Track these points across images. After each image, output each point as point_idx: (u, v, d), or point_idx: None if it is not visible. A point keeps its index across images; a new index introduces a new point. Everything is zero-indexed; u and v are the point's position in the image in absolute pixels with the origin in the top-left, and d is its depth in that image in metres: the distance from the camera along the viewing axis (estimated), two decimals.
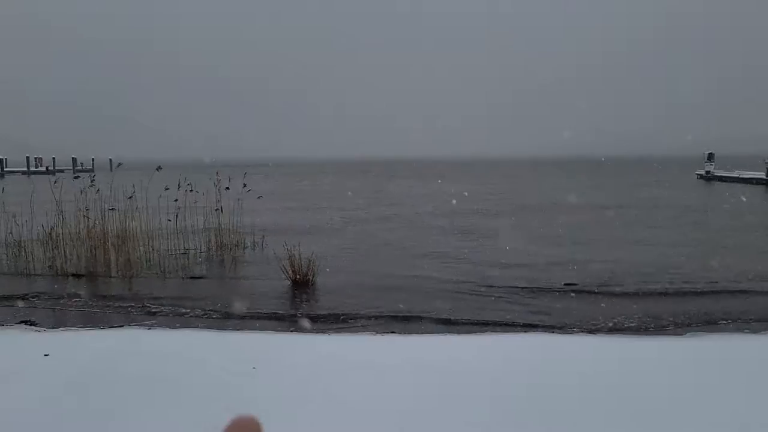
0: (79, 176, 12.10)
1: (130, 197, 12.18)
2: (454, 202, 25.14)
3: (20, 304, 9.24)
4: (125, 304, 9.29)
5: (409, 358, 6.02)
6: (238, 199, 13.49)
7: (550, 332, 7.23)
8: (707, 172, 42.54)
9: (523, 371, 5.47)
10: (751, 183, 37.01)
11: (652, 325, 7.71)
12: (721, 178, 40.89)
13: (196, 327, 7.77)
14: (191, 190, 12.70)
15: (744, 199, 25.91)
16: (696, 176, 43.96)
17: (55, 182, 11.46)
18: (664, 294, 9.62)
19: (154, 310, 9.00)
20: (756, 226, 17.78)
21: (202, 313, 8.77)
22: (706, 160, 43.11)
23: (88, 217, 11.69)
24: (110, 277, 11.25)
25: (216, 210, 13.16)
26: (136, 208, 12.43)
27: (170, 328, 7.65)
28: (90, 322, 8.20)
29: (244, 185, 13.41)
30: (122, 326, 7.66)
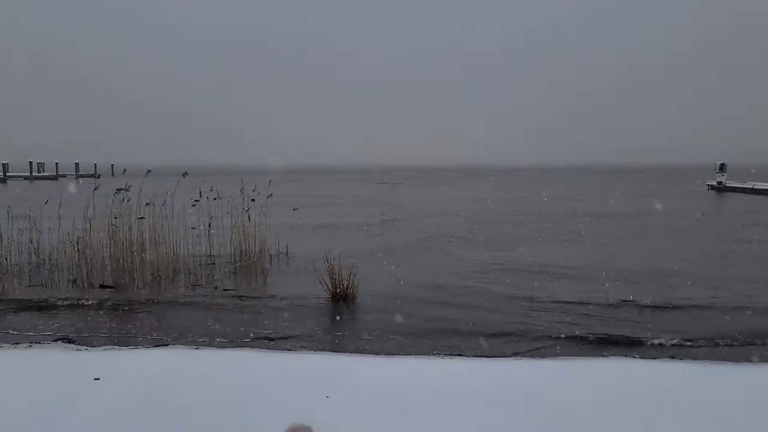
0: (98, 186, 11.62)
1: (147, 203, 11.72)
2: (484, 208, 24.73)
3: (51, 318, 8.78)
4: (159, 319, 8.83)
5: (487, 384, 5.58)
6: (262, 208, 13.08)
7: (629, 357, 6.78)
8: (719, 183, 42.11)
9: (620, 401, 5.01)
10: (766, 194, 36.56)
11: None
12: (734, 189, 40.45)
13: (244, 346, 7.31)
14: (216, 198, 12.34)
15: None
16: (707, 187, 43.52)
17: (96, 189, 11.06)
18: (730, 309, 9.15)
19: (187, 324, 8.54)
20: None
21: (242, 329, 8.30)
22: (717, 171, 42.62)
23: (116, 226, 11.22)
24: (139, 288, 10.77)
25: (247, 216, 12.75)
26: (165, 215, 11.97)
27: (217, 347, 7.19)
28: (128, 338, 7.73)
29: (271, 194, 13.03)
30: (167, 345, 7.20)
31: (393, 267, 12.53)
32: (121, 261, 11.24)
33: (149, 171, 12.11)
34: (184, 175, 12.42)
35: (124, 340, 7.64)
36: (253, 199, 13.06)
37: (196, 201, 12.61)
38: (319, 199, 33.87)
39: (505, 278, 11.61)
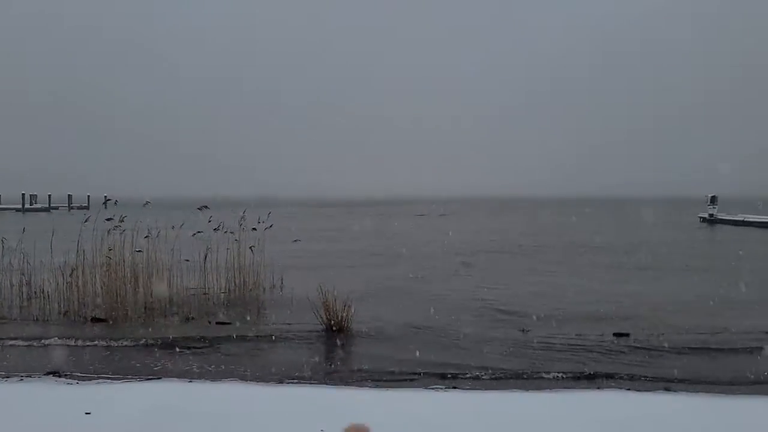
0: (111, 218, 11.57)
1: (146, 236, 11.70)
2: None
3: (42, 351, 8.67)
4: (152, 352, 8.73)
5: (482, 417, 5.52)
6: (257, 240, 13.05)
7: (621, 389, 6.75)
8: (710, 215, 42.42)
9: None
10: (757, 226, 36.84)
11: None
12: (725, 221, 40.72)
13: (237, 379, 7.22)
14: (216, 229, 12.32)
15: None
16: (699, 219, 43.77)
17: (85, 221, 11.06)
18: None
19: (184, 358, 8.45)
20: None
21: (236, 362, 8.21)
22: (708, 203, 42.96)
23: (109, 257, 11.15)
24: (132, 321, 10.66)
25: (241, 247, 12.72)
26: (157, 248, 11.93)
27: (210, 380, 7.10)
28: (120, 372, 7.62)
29: (271, 225, 13.03)
30: (159, 378, 7.11)
31: (389, 301, 12.50)
32: (114, 293, 11.13)
33: (147, 203, 12.11)
34: (200, 209, 12.46)
35: (115, 373, 7.52)
36: (254, 228, 13.06)
37: (198, 232, 12.60)
38: (321, 233, 33.70)
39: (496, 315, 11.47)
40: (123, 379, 7.09)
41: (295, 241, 15.25)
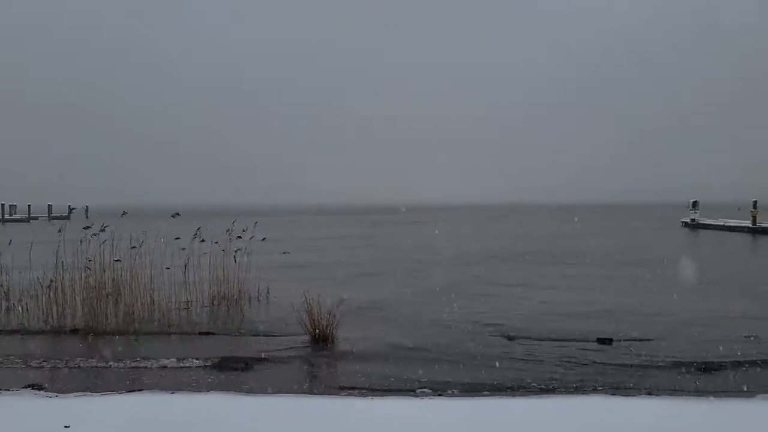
0: (89, 226, 11.41)
1: (132, 246, 11.54)
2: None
3: (20, 364, 8.49)
4: (133, 364, 8.59)
5: (468, 424, 5.49)
6: (239, 249, 12.94)
7: (607, 395, 6.76)
8: (692, 220, 42.98)
9: None
10: (737, 231, 37.46)
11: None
12: (707, 226, 41.31)
13: (220, 390, 7.12)
14: (203, 241, 12.19)
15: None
16: (681, 224, 44.32)
17: (59, 230, 10.86)
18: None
19: (165, 368, 8.33)
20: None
21: (218, 372, 8.12)
22: (690, 208, 43.54)
23: (89, 268, 11.00)
24: (113, 333, 10.49)
25: (228, 257, 12.60)
26: (137, 257, 11.78)
27: (194, 392, 7.00)
28: (101, 384, 7.50)
29: (264, 238, 12.94)
30: (141, 390, 6.98)
31: (374, 309, 12.44)
32: (94, 304, 10.96)
33: (124, 213, 11.97)
34: (173, 216, 12.32)
35: (95, 386, 7.40)
36: (239, 236, 12.97)
37: (182, 249, 12.48)
38: (313, 242, 33.55)
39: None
40: (103, 391, 6.96)
41: (284, 253, 15.16)
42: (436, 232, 38.83)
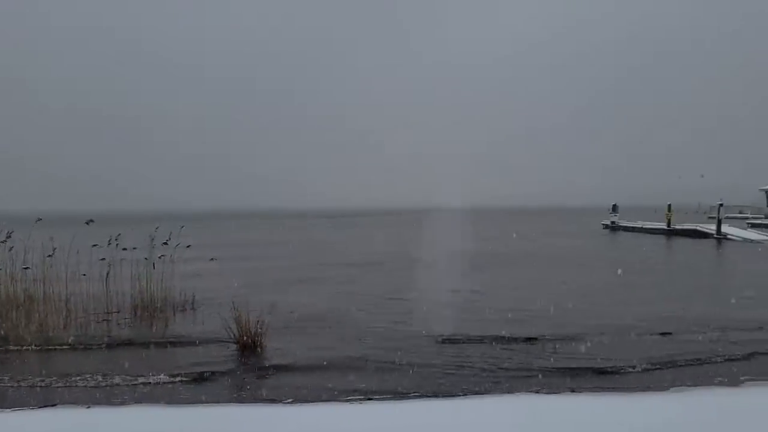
0: None
1: (49, 255, 10.90)
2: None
3: None
4: (45, 379, 8.06)
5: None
6: (171, 257, 12.50)
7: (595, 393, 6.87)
8: (612, 222, 45.19)
9: None
10: (652, 232, 39.63)
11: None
12: (626, 228, 43.47)
13: (141, 403, 6.80)
14: (124, 249, 11.66)
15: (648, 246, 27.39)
16: (602, 226, 46.47)
17: None
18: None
19: (80, 384, 7.86)
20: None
21: (139, 384, 7.74)
22: (610, 212, 45.88)
23: None
24: (22, 347, 9.83)
25: (153, 264, 12.13)
26: (51, 266, 11.14)
27: (111, 405, 6.65)
28: (9, 400, 6.99)
29: (189, 246, 12.53)
30: (54, 405, 6.57)
31: (307, 317, 12.26)
32: (2, 315, 10.26)
33: (39, 219, 11.30)
34: (87, 223, 11.75)
35: (4, 402, 6.90)
36: (165, 243, 12.53)
37: (102, 259, 11.90)
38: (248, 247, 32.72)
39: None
40: (13, 407, 6.50)
41: (212, 259, 14.73)
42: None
